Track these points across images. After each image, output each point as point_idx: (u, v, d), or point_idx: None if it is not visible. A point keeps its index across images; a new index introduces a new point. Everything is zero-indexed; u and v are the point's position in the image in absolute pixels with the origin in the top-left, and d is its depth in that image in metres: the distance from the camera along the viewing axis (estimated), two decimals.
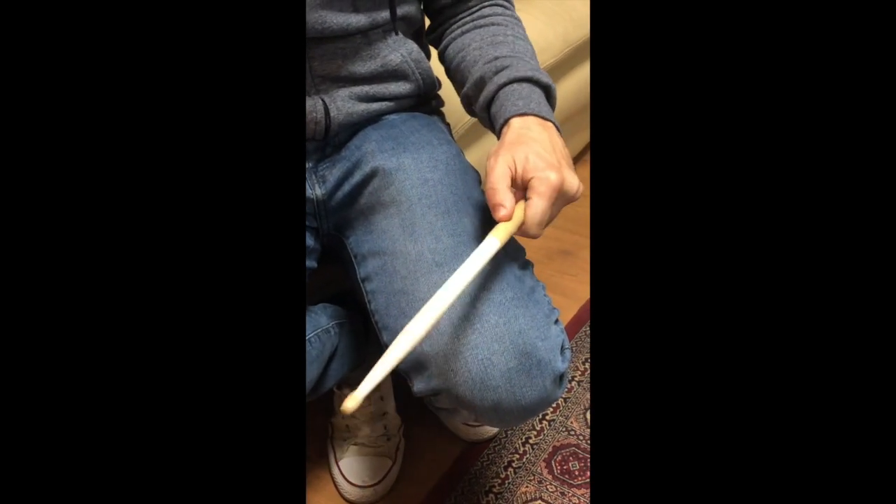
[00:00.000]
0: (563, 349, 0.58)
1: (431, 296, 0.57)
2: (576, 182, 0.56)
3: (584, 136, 1.62)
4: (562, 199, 0.56)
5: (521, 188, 0.56)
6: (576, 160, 1.65)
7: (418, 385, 0.59)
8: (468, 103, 0.69)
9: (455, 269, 0.55)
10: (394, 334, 0.60)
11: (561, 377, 0.58)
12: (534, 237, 0.55)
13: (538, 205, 0.54)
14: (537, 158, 0.55)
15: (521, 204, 0.55)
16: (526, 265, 0.62)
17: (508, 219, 0.54)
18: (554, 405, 1.02)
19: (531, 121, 0.59)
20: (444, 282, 0.57)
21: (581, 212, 1.48)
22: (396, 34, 0.68)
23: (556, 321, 0.59)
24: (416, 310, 0.57)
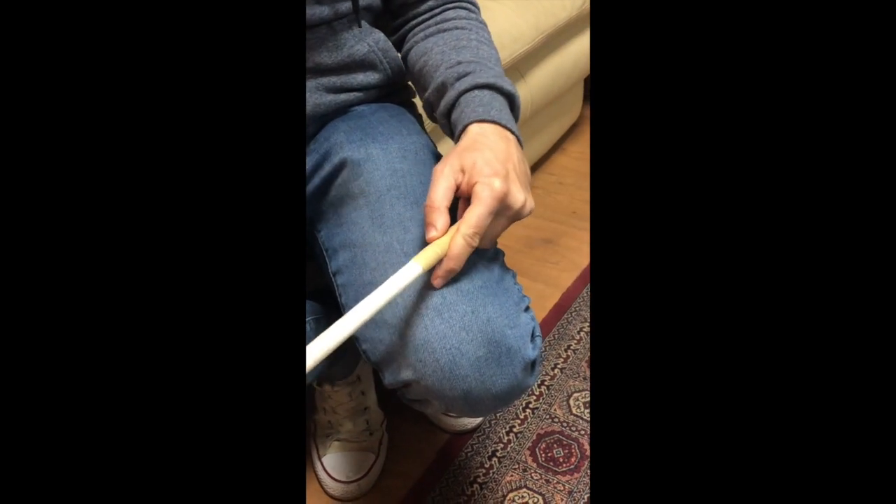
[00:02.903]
0: (533, 336, 0.58)
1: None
2: (522, 197, 0.54)
3: (560, 126, 1.61)
4: (506, 212, 0.54)
5: (466, 195, 0.55)
6: (551, 152, 1.65)
7: (388, 377, 0.59)
8: (430, 109, 0.67)
9: None
10: (364, 326, 0.59)
11: (532, 364, 0.57)
12: (465, 248, 0.52)
13: (476, 211, 0.52)
14: (484, 164, 0.53)
15: (457, 225, 0.53)
16: (496, 253, 0.62)
17: (435, 241, 0.53)
18: (537, 393, 1.03)
19: (490, 128, 0.57)
20: None
21: (560, 199, 1.49)
22: (360, 25, 0.68)
23: (527, 308, 0.59)
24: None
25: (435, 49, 0.66)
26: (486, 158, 0.54)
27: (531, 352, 0.57)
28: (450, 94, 0.61)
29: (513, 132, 0.59)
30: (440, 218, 0.53)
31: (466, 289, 0.56)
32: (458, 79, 0.62)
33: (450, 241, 0.53)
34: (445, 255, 0.53)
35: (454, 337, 0.54)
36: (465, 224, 0.52)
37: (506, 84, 0.62)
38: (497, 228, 0.55)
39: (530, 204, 0.55)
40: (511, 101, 0.63)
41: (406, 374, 0.56)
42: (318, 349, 0.46)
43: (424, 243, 0.58)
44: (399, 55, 0.73)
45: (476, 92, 0.60)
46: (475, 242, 0.53)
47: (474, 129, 0.58)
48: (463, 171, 0.54)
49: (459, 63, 0.63)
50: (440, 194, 0.53)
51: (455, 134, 0.60)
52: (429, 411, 0.97)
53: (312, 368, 0.46)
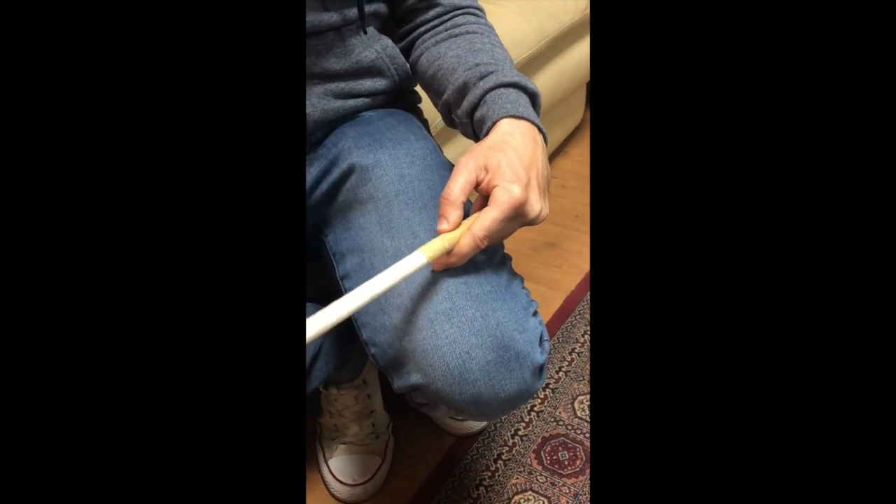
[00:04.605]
0: (541, 341, 0.58)
1: (409, 290, 0.57)
2: (538, 206, 0.54)
3: (563, 129, 1.62)
4: (519, 218, 0.54)
5: (484, 193, 0.55)
6: (555, 153, 1.66)
7: (397, 381, 0.59)
8: (448, 111, 0.67)
9: (432, 265, 0.55)
10: (372, 330, 0.60)
11: (540, 369, 0.58)
12: (472, 248, 0.53)
13: (491, 214, 0.52)
14: (508, 167, 0.53)
15: (469, 220, 0.54)
16: (504, 258, 0.62)
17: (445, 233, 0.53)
18: (542, 396, 1.03)
19: (520, 126, 0.57)
20: (421, 277, 0.57)
21: (564, 203, 1.49)
22: (364, 32, 0.68)
23: (535, 313, 0.59)
24: (395, 307, 0.57)
25: (449, 53, 0.66)
26: (510, 161, 0.54)
27: (539, 356, 0.57)
28: (474, 93, 0.61)
29: (541, 131, 0.59)
30: (454, 212, 0.53)
31: (476, 293, 0.56)
32: (481, 78, 0.62)
33: (459, 237, 0.53)
34: (452, 251, 0.53)
35: (464, 341, 0.54)
36: (477, 225, 0.52)
37: (529, 83, 0.62)
38: (507, 231, 0.55)
39: (545, 213, 0.56)
40: (534, 99, 0.63)
41: (415, 379, 0.57)
42: (315, 325, 0.46)
43: None
44: (406, 62, 0.73)
45: (502, 90, 0.60)
46: (484, 245, 0.53)
47: (504, 125, 0.57)
48: (486, 170, 0.54)
49: (478, 65, 0.63)
50: (458, 188, 0.53)
51: (483, 130, 0.60)
52: (436, 414, 0.97)
53: (308, 347, 0.46)
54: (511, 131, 0.57)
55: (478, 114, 0.61)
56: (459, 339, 0.54)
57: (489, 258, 0.60)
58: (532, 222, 0.55)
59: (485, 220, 0.52)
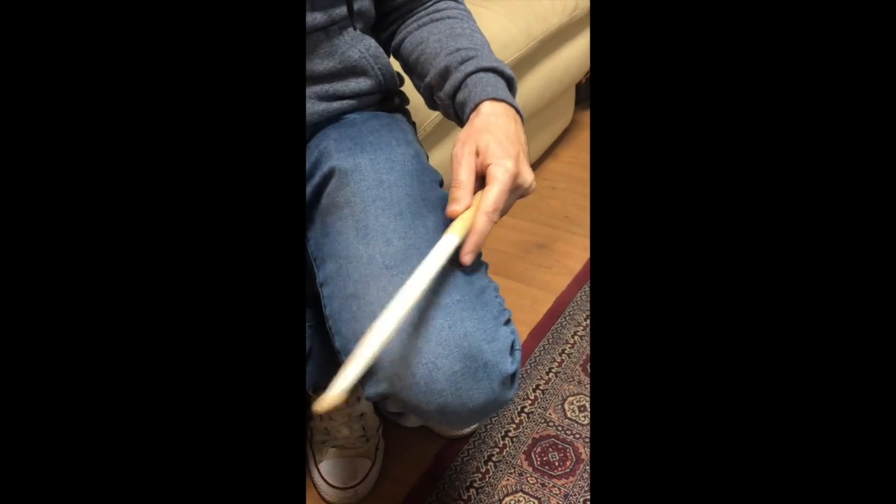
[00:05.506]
0: (512, 350, 0.58)
1: (381, 299, 0.57)
2: (530, 176, 0.59)
3: (552, 131, 1.62)
4: (517, 189, 0.58)
5: (478, 175, 0.59)
6: (545, 155, 1.66)
7: (369, 390, 0.59)
8: (430, 94, 0.71)
9: (405, 273, 0.55)
10: (345, 339, 0.60)
11: (511, 378, 0.58)
12: (487, 224, 0.56)
13: (495, 189, 0.56)
14: (497, 146, 0.58)
15: (476, 197, 0.57)
16: (479, 266, 0.62)
17: (457, 215, 0.56)
18: (532, 397, 1.03)
19: (500, 108, 0.62)
20: (393, 286, 0.57)
21: (554, 204, 1.49)
22: (354, 29, 0.69)
23: (507, 322, 0.60)
24: (366, 315, 0.58)
25: (431, 38, 0.70)
26: (498, 140, 0.58)
27: (509, 366, 0.57)
28: (455, 76, 0.66)
29: (518, 112, 0.65)
30: (465, 195, 0.57)
31: (444, 303, 0.57)
32: (462, 62, 0.66)
33: (473, 218, 0.56)
34: (470, 231, 0.56)
35: (430, 351, 0.55)
36: (485, 202, 0.56)
37: (506, 68, 0.67)
38: (510, 203, 0.59)
39: (534, 183, 0.61)
40: (510, 83, 0.68)
41: (384, 388, 0.57)
42: (389, 321, 0.49)
43: (407, 255, 0.59)
44: (389, 61, 0.74)
45: (482, 74, 0.65)
46: (496, 218, 0.56)
47: (486, 107, 0.62)
48: (477, 153, 0.59)
49: (458, 50, 0.67)
50: (466, 175, 0.58)
51: (465, 111, 0.65)
52: (408, 424, 0.98)
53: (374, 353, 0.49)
54: (493, 111, 0.62)
55: (459, 96, 0.66)
56: (425, 350, 0.55)
57: (463, 267, 0.60)
58: (527, 192, 0.60)
59: (490, 196, 0.56)
